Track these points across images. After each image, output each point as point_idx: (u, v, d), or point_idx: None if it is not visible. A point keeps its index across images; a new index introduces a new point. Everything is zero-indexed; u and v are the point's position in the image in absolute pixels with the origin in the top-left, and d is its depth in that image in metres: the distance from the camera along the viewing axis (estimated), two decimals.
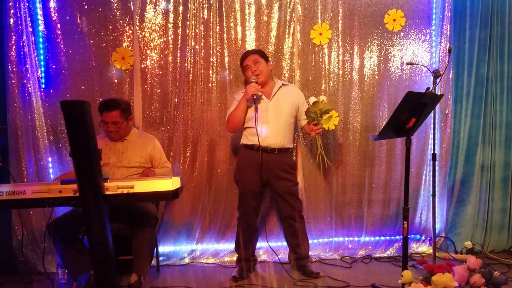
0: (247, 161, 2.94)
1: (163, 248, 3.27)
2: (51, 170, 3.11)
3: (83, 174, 1.79)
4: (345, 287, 2.79)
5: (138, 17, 3.19)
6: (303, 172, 3.42)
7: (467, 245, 3.26)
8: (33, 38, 3.04)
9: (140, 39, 3.21)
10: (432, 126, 3.18)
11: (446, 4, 3.46)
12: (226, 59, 3.31)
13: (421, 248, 3.58)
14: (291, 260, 3.15)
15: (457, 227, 3.58)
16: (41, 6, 3.06)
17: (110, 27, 3.17)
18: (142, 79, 3.24)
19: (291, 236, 3.05)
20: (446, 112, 3.52)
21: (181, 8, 3.24)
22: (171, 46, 3.25)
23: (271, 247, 3.18)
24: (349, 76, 3.48)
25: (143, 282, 2.52)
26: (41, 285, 2.80)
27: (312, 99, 2.85)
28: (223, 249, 3.36)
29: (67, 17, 3.11)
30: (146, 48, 3.23)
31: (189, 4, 3.22)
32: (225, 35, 3.30)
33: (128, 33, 3.20)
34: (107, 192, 1.92)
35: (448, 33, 3.47)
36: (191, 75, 3.27)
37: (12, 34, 2.97)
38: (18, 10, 2.97)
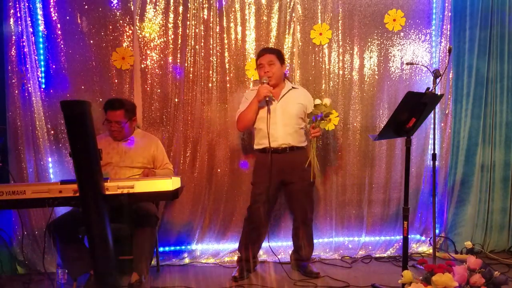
0: (262, 164, 2.93)
1: (163, 248, 3.27)
2: (51, 170, 3.11)
3: (83, 174, 1.79)
4: (345, 287, 2.79)
5: (138, 17, 3.19)
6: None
7: (467, 245, 3.26)
8: (33, 38, 3.04)
9: (140, 39, 3.21)
10: (432, 126, 3.17)
11: (446, 4, 3.46)
12: (226, 59, 3.31)
13: (421, 248, 3.58)
14: (292, 260, 3.14)
15: (457, 227, 3.58)
16: (41, 6, 3.06)
17: (110, 27, 3.17)
18: (142, 79, 3.24)
19: (299, 238, 3.03)
20: (446, 112, 3.52)
21: (181, 8, 3.24)
22: (171, 46, 3.25)
23: (271, 247, 3.17)
24: (349, 76, 3.48)
25: (143, 282, 2.52)
26: (41, 285, 2.80)
27: (316, 101, 2.84)
28: (223, 249, 3.36)
29: (67, 17, 3.11)
30: (146, 48, 3.23)
31: (189, 4, 3.22)
32: (225, 35, 3.30)
33: (128, 33, 3.20)
34: (107, 192, 1.92)
35: (448, 33, 3.47)
36: (191, 75, 3.27)
37: (12, 34, 2.97)
38: (18, 10, 2.97)
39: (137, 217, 2.59)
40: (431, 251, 3.28)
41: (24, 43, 2.99)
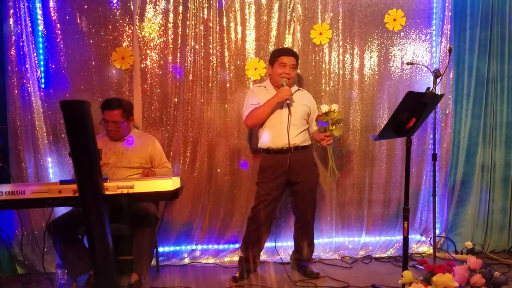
0: (267, 164, 2.92)
1: (163, 248, 3.27)
2: (50, 170, 3.11)
3: (83, 174, 1.78)
4: (345, 287, 2.79)
5: (138, 17, 3.19)
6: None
7: (467, 245, 3.25)
8: (32, 38, 3.04)
9: (140, 39, 3.21)
10: (432, 126, 3.18)
11: (447, 4, 3.45)
12: (226, 59, 3.31)
13: (422, 248, 3.58)
14: (292, 260, 3.14)
15: (458, 227, 3.58)
16: (40, 6, 3.06)
17: (110, 27, 3.16)
18: (142, 79, 3.23)
19: (301, 237, 3.03)
20: (447, 112, 3.51)
21: (181, 8, 3.23)
22: (171, 46, 3.24)
23: (272, 247, 3.17)
24: (349, 76, 3.48)
25: (143, 282, 2.52)
26: (41, 285, 2.80)
27: (324, 108, 2.84)
28: (223, 249, 3.36)
29: (67, 17, 3.10)
30: (146, 48, 3.22)
31: (189, 3, 3.22)
32: (225, 35, 3.30)
33: (128, 33, 3.20)
34: (107, 192, 1.92)
35: (449, 33, 3.46)
36: (191, 75, 3.27)
37: (12, 34, 2.97)
38: (17, 10, 2.97)
39: (137, 217, 2.59)
40: (431, 251, 3.28)
41: (23, 43, 2.99)
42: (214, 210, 3.35)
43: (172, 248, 3.32)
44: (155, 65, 3.25)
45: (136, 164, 2.80)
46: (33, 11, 3.04)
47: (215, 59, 3.30)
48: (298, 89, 3.05)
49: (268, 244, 3.21)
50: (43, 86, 3.10)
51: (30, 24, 3.02)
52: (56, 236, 2.46)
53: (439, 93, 2.98)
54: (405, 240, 2.41)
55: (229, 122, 3.33)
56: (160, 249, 3.20)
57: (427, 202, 3.55)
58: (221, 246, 3.37)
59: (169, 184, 2.01)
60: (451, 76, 3.50)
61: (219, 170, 3.34)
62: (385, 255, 3.46)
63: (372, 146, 3.51)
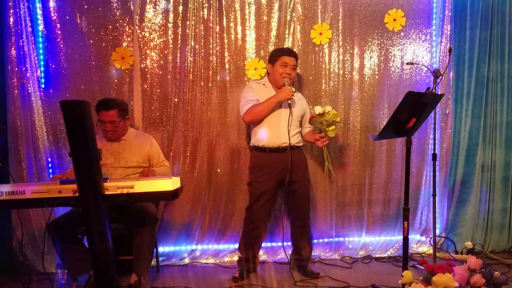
0: (260, 163, 2.92)
1: (163, 248, 3.27)
2: (50, 170, 3.11)
3: (83, 174, 1.78)
4: (345, 287, 2.79)
5: (138, 17, 3.19)
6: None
7: (467, 245, 3.25)
8: (32, 38, 3.04)
9: (140, 39, 3.21)
10: (432, 126, 3.17)
11: (447, 4, 3.45)
12: (226, 59, 3.31)
13: (422, 248, 3.58)
14: (292, 260, 3.14)
15: (458, 227, 3.58)
16: (40, 6, 3.06)
17: (110, 27, 3.16)
18: (142, 79, 3.23)
19: (299, 238, 3.03)
20: (447, 112, 3.51)
21: (181, 8, 3.23)
22: (171, 45, 3.24)
23: (271, 247, 3.17)
24: (349, 76, 3.48)
25: (143, 283, 2.52)
26: (41, 285, 2.80)
27: (318, 109, 2.85)
28: (223, 249, 3.36)
29: (67, 17, 3.10)
30: (146, 48, 3.22)
31: (189, 3, 3.22)
32: (225, 35, 3.30)
33: (128, 33, 3.19)
34: (107, 192, 1.92)
35: (449, 33, 3.46)
36: (191, 75, 3.27)
37: (12, 34, 2.96)
38: (17, 10, 2.96)
39: (137, 217, 2.58)
40: (431, 251, 3.28)
41: (23, 43, 2.98)
42: (214, 210, 3.35)
43: (172, 248, 3.32)
44: (155, 65, 3.25)
45: (134, 163, 2.80)
46: (33, 11, 3.04)
47: (215, 59, 3.30)
48: (295, 91, 3.05)
49: (268, 244, 3.21)
50: (43, 86, 3.10)
51: (30, 24, 3.02)
52: (56, 236, 2.46)
53: (439, 93, 2.98)
54: (405, 240, 2.41)
55: (229, 122, 3.33)
56: (160, 249, 3.20)
57: (427, 202, 3.55)
58: (221, 246, 3.37)
59: (169, 184, 2.00)
60: (451, 76, 3.50)
61: (219, 170, 3.34)
62: (385, 255, 3.46)
63: (372, 146, 3.51)
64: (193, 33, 3.25)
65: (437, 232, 3.40)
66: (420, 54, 3.54)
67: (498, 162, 3.59)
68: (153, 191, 2.00)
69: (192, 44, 3.25)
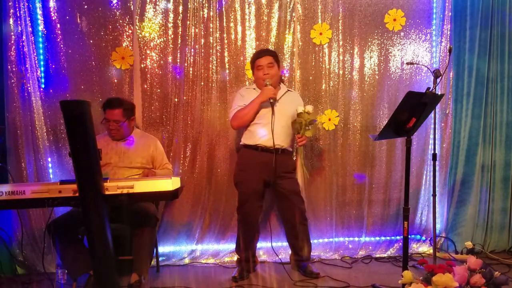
0: (251, 161, 2.92)
1: (163, 248, 3.27)
2: (50, 170, 3.11)
3: (82, 174, 1.78)
4: (345, 287, 2.79)
5: (137, 17, 3.19)
6: (303, 172, 3.41)
7: (467, 245, 3.25)
8: (32, 38, 3.04)
9: (139, 39, 3.21)
10: (432, 126, 3.17)
11: (447, 4, 3.46)
12: (226, 59, 3.31)
13: (422, 248, 3.58)
14: (292, 260, 3.14)
15: (458, 227, 3.58)
16: (40, 6, 3.06)
17: (110, 26, 3.16)
18: (142, 79, 3.23)
19: (294, 238, 3.03)
20: (447, 112, 3.52)
21: (181, 8, 3.23)
22: (171, 46, 3.24)
23: (271, 248, 3.17)
24: (349, 76, 3.48)
25: (143, 282, 2.52)
26: (41, 285, 2.80)
27: (300, 109, 2.84)
28: (223, 249, 3.35)
29: (67, 17, 3.10)
30: (146, 47, 3.22)
31: (189, 3, 3.22)
32: (225, 35, 3.30)
33: (127, 33, 3.19)
34: (107, 192, 1.92)
35: (449, 33, 3.47)
36: (191, 75, 3.27)
37: (12, 34, 2.96)
38: (17, 10, 2.96)
39: (137, 217, 2.58)
40: (431, 251, 3.28)
41: (23, 43, 2.98)
42: (214, 210, 3.34)
43: (172, 248, 3.31)
44: (155, 65, 3.24)
45: (137, 164, 2.81)
46: (33, 11, 3.04)
47: (215, 59, 3.30)
48: (288, 90, 3.05)
49: (267, 244, 3.21)
50: (43, 86, 3.10)
51: (30, 24, 3.02)
52: (56, 236, 2.46)
53: (439, 93, 2.98)
54: (405, 240, 2.41)
55: (229, 122, 3.31)
56: (160, 249, 3.20)
57: (427, 202, 3.55)
58: (221, 246, 3.37)
59: (169, 184, 2.00)
60: (451, 76, 3.50)
61: (219, 170, 3.34)
62: (385, 255, 3.46)
63: (372, 146, 3.51)
64: (193, 33, 3.25)
65: (437, 232, 3.40)
66: (420, 54, 3.54)
67: (498, 162, 3.60)
68: (153, 191, 2.00)
69: (192, 44, 3.25)
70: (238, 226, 3.03)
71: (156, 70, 3.24)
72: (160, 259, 3.14)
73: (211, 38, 3.28)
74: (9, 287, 2.80)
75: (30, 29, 3.02)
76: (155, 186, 2.01)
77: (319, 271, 3.00)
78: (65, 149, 3.12)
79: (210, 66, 3.29)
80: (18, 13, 2.96)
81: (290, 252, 3.20)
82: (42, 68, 3.10)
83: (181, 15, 3.23)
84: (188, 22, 3.24)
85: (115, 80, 3.19)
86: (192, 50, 3.25)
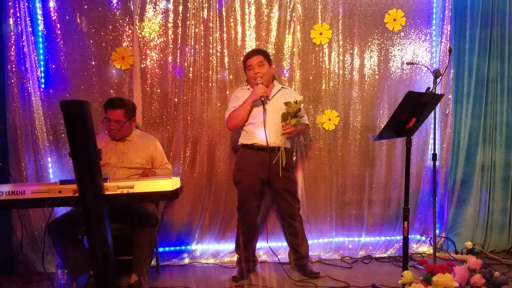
0: (248, 161, 2.94)
1: (163, 248, 3.27)
2: (50, 170, 3.11)
3: (82, 174, 1.78)
4: (345, 287, 2.79)
5: (137, 17, 3.19)
6: (303, 172, 3.41)
7: (467, 245, 3.26)
8: (32, 38, 3.04)
9: (139, 39, 3.21)
10: (432, 126, 3.17)
11: (447, 4, 3.46)
12: (226, 59, 3.31)
13: (422, 248, 3.58)
14: (291, 260, 3.15)
15: (458, 227, 3.58)
16: (40, 6, 3.05)
17: (110, 27, 3.16)
18: (142, 79, 3.23)
19: (292, 236, 3.05)
20: (447, 112, 3.52)
21: (180, 8, 3.23)
22: (171, 46, 3.24)
23: (271, 248, 3.17)
24: (349, 76, 3.48)
25: (143, 283, 2.52)
26: (41, 285, 2.80)
27: (292, 100, 2.83)
28: (223, 249, 3.36)
29: (67, 17, 3.10)
30: (146, 48, 3.22)
31: (189, 3, 3.22)
32: (225, 35, 3.30)
33: (127, 33, 3.19)
34: (107, 192, 1.92)
35: (449, 33, 3.47)
36: (191, 75, 3.27)
37: (12, 34, 2.96)
38: (17, 10, 2.96)
39: (137, 217, 2.58)
40: (431, 251, 3.28)
41: (23, 43, 2.98)
42: (214, 210, 3.34)
43: (172, 248, 3.32)
44: (155, 65, 3.24)
45: (137, 164, 2.80)
46: (33, 11, 3.04)
47: (215, 59, 3.30)
48: (282, 87, 3.06)
49: (267, 244, 3.21)
50: (43, 86, 3.10)
51: (30, 24, 3.02)
52: (56, 236, 2.46)
53: (439, 93, 2.98)
54: (405, 240, 2.41)
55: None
56: (160, 249, 3.20)
57: (427, 202, 3.55)
58: (221, 246, 3.37)
59: (169, 184, 2.00)
60: (451, 76, 3.50)
61: (219, 170, 3.34)
62: (385, 255, 3.46)
63: (372, 146, 3.51)
64: (193, 33, 3.25)
65: (437, 232, 3.40)
66: (420, 54, 3.54)
67: (498, 162, 3.59)
68: (153, 191, 2.00)
69: (192, 44, 3.25)
70: (238, 225, 3.04)
71: (156, 70, 3.24)
72: (160, 259, 3.14)
73: (211, 38, 3.28)
74: (9, 287, 2.80)
75: (30, 29, 3.02)
76: (155, 186, 2.01)
77: (319, 271, 3.00)
78: (65, 149, 3.12)
79: (210, 66, 3.29)
80: (18, 13, 2.96)
81: (289, 251, 3.21)
82: (42, 68, 3.10)
83: (181, 15, 3.23)
84: (188, 22, 3.24)
85: (115, 80, 3.18)
86: (192, 50, 3.25)
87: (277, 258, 3.21)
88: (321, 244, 3.46)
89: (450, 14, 3.46)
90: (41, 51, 3.09)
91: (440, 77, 2.97)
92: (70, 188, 1.94)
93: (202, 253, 3.34)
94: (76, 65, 3.13)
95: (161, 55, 3.24)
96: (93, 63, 3.15)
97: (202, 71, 3.28)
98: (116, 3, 3.16)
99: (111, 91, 3.16)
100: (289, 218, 3.01)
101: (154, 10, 3.21)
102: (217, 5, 3.26)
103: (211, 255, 3.33)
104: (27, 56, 3.00)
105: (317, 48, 3.42)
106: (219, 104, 3.32)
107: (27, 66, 3.00)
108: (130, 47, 3.19)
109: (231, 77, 3.32)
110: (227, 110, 3.03)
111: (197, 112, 3.29)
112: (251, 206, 2.94)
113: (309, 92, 3.41)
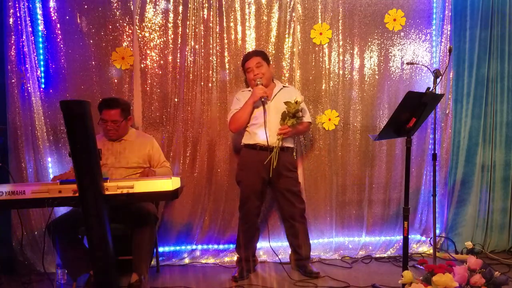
0: (250, 160, 2.94)
1: (163, 248, 3.27)
2: (50, 170, 3.11)
3: (83, 174, 1.78)
4: (345, 287, 2.79)
5: (138, 17, 3.19)
6: (303, 172, 3.41)
7: (467, 245, 3.26)
8: (32, 37, 3.04)
9: (139, 39, 3.21)
10: (432, 126, 3.18)
11: (447, 4, 3.46)
12: (226, 59, 3.31)
13: (422, 248, 3.58)
14: (292, 260, 3.15)
15: (458, 227, 3.58)
16: (40, 5, 3.06)
17: (110, 26, 3.16)
18: (142, 79, 3.23)
19: (293, 237, 3.05)
20: (447, 112, 3.52)
21: (181, 8, 3.23)
22: (171, 45, 3.24)
23: (271, 248, 3.17)
24: (349, 76, 3.48)
25: (143, 282, 2.52)
26: (41, 285, 2.80)
27: (292, 99, 2.82)
28: (223, 249, 3.36)
29: (67, 17, 3.10)
30: (145, 47, 3.22)
31: (189, 3, 3.22)
32: (225, 35, 3.30)
33: (128, 33, 3.19)
34: (107, 192, 1.92)
35: (449, 33, 3.47)
36: (191, 75, 3.27)
37: (12, 33, 2.96)
38: (17, 9, 2.96)
39: (136, 216, 2.58)
40: (431, 251, 3.28)
41: (23, 43, 2.98)
42: (214, 210, 3.34)
43: (172, 248, 3.31)
44: (155, 65, 3.24)
45: (134, 164, 2.80)
46: (33, 11, 3.04)
47: (215, 59, 3.30)
48: (284, 86, 3.06)
49: (267, 244, 3.21)
50: (43, 86, 3.10)
51: (30, 24, 3.02)
52: (56, 236, 2.46)
53: (439, 93, 2.98)
54: (405, 240, 2.41)
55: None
56: (160, 249, 3.20)
57: (427, 202, 3.55)
58: (221, 246, 3.37)
59: (169, 184, 2.01)
60: (451, 76, 3.50)
61: (219, 170, 3.34)
62: (385, 255, 3.46)
63: (372, 146, 3.51)
64: (193, 33, 3.25)
65: (437, 232, 3.40)
66: (420, 54, 3.54)
67: (498, 162, 3.59)
68: (153, 191, 2.01)
69: (192, 44, 3.25)
70: (239, 225, 3.04)
71: (156, 70, 3.24)
72: (160, 259, 3.14)
73: (211, 38, 3.28)
74: (9, 287, 2.80)
75: (30, 29, 3.02)
76: (155, 186, 2.01)
77: (319, 271, 3.01)
78: (65, 149, 3.12)
79: (210, 66, 3.29)
80: (18, 13, 2.96)
81: (289, 252, 3.21)
82: (42, 68, 3.10)
83: (181, 15, 3.23)
84: (188, 22, 3.23)
85: (115, 80, 3.19)
86: (192, 50, 3.25)
87: (277, 258, 3.21)
88: (321, 244, 3.46)
89: (450, 14, 3.46)
90: (41, 51, 3.09)
91: (440, 77, 2.97)
92: (70, 188, 1.94)
93: (202, 253, 3.34)
94: (76, 65, 3.13)
95: (161, 55, 3.24)
96: (93, 63, 3.15)
97: (202, 71, 3.28)
98: (116, 3, 3.16)
99: (111, 91, 3.16)
100: (290, 219, 3.01)
101: (154, 10, 3.21)
102: (217, 5, 3.26)
103: (211, 255, 3.33)
104: (27, 56, 3.00)
105: (317, 48, 3.42)
106: (219, 104, 3.32)
107: (27, 66, 3.00)
108: (130, 47, 3.19)
109: (231, 77, 3.32)
110: (229, 112, 3.04)
111: (197, 112, 3.29)
112: (252, 205, 2.94)
113: (309, 92, 3.41)
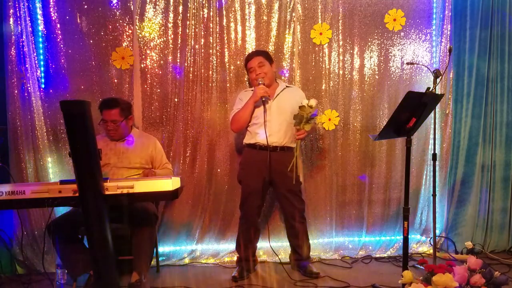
0: (251, 160, 2.94)
1: (163, 248, 3.27)
2: (50, 170, 3.11)
3: (83, 174, 1.78)
4: (345, 287, 2.79)
5: (137, 17, 3.19)
6: (303, 172, 3.41)
7: (467, 245, 3.26)
8: (32, 37, 3.04)
9: (139, 39, 3.21)
10: (432, 126, 3.17)
11: (447, 4, 3.45)
12: (226, 59, 3.31)
13: (422, 248, 3.58)
14: (292, 260, 3.15)
15: (458, 227, 3.57)
16: (40, 5, 3.06)
17: (110, 26, 3.16)
18: (141, 79, 3.23)
19: (293, 237, 3.05)
20: (447, 112, 3.51)
21: (180, 8, 3.23)
22: (171, 45, 3.24)
23: (271, 248, 3.17)
24: (349, 75, 3.48)
25: (143, 282, 2.52)
26: (41, 285, 2.80)
27: (304, 102, 2.80)
28: (223, 249, 3.36)
29: (67, 17, 3.10)
30: (145, 47, 3.22)
31: (189, 3, 3.22)
32: (225, 35, 3.30)
33: (127, 33, 3.19)
34: (107, 192, 1.92)
35: (449, 33, 3.47)
36: (191, 75, 3.27)
37: (12, 34, 2.97)
38: (17, 9, 2.96)
39: (137, 216, 2.58)
40: (431, 251, 3.28)
41: (23, 43, 2.99)
42: (214, 210, 3.34)
43: (172, 248, 3.31)
44: (155, 65, 3.25)
45: (136, 164, 2.80)
46: (33, 11, 3.04)
47: (215, 59, 3.30)
48: (287, 86, 3.05)
49: (267, 244, 3.21)
50: (43, 86, 3.10)
51: (30, 24, 3.02)
52: (56, 236, 2.46)
53: (439, 93, 2.98)
54: (405, 240, 2.41)
55: (229, 122, 3.31)
56: (160, 249, 3.20)
57: (427, 202, 3.55)
58: (221, 246, 3.37)
59: (169, 184, 2.01)
60: (451, 76, 3.50)
61: (219, 170, 3.34)
62: (385, 255, 3.46)
63: (372, 146, 3.51)
64: (193, 33, 3.25)
65: (437, 232, 3.40)
66: (420, 54, 3.54)
67: (498, 162, 3.59)
68: (153, 191, 2.01)
69: (192, 44, 3.25)
70: (239, 224, 3.04)
71: (156, 70, 3.25)
72: (160, 259, 3.14)
73: (211, 38, 3.28)
74: (9, 287, 2.80)
75: (30, 29, 3.02)
76: (155, 186, 2.01)
77: (319, 271, 3.00)
78: (65, 149, 3.12)
79: (210, 66, 3.29)
80: (18, 13, 2.96)
81: (289, 252, 3.20)
82: (42, 68, 3.10)
83: (181, 15, 3.23)
84: (188, 22, 3.24)
85: (115, 80, 3.19)
86: (192, 50, 3.25)
87: (277, 258, 3.21)
88: (321, 244, 3.46)
89: (450, 14, 3.46)
90: (41, 51, 3.09)
91: (440, 77, 2.96)
92: (70, 188, 1.94)
93: (202, 253, 3.34)
94: (76, 65, 3.13)
95: (161, 55, 3.24)
96: (93, 63, 3.15)
97: (202, 71, 3.28)
98: (116, 3, 3.16)
99: (111, 91, 3.16)
100: (291, 219, 3.01)
101: (154, 10, 3.21)
102: (217, 5, 3.26)
103: (211, 255, 3.33)
104: (27, 56, 3.00)
105: (317, 48, 3.42)
106: (219, 104, 3.32)
107: (27, 66, 3.00)
108: (130, 47, 3.19)
109: (231, 76, 3.32)
110: (231, 112, 3.04)
111: (197, 112, 3.29)
112: (253, 205, 2.94)
113: (309, 92, 3.41)
